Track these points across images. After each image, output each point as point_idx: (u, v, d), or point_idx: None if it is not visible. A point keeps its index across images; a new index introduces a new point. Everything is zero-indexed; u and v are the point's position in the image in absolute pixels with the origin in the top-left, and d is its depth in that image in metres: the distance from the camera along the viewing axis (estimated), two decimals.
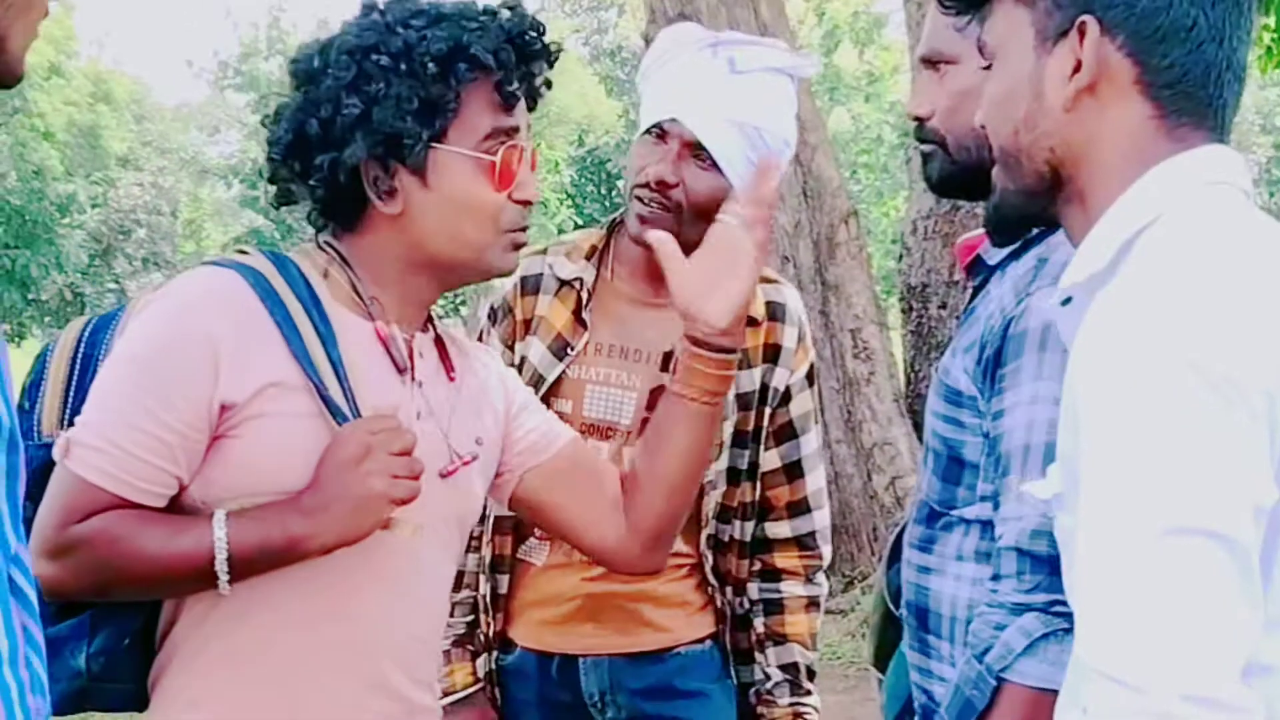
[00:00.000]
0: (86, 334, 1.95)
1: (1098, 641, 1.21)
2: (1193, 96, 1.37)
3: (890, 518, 7.10)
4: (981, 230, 2.12)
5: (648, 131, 2.47)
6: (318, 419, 1.81)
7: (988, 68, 1.52)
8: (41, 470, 1.83)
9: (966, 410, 1.96)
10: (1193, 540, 1.16)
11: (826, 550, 2.71)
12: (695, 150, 2.43)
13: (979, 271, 2.10)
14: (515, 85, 1.90)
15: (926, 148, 2.15)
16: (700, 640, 2.63)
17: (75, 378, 1.92)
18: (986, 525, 1.90)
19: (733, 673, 2.67)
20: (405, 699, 1.93)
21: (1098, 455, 1.23)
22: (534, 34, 1.92)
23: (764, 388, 2.59)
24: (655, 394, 2.49)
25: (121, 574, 1.78)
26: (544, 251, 2.62)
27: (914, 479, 7.16)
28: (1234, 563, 1.16)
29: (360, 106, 1.84)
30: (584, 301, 2.55)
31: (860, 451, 7.25)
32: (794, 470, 2.67)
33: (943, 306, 7.32)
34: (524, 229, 1.96)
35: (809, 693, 2.65)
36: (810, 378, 2.67)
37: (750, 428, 2.59)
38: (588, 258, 2.60)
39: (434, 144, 1.86)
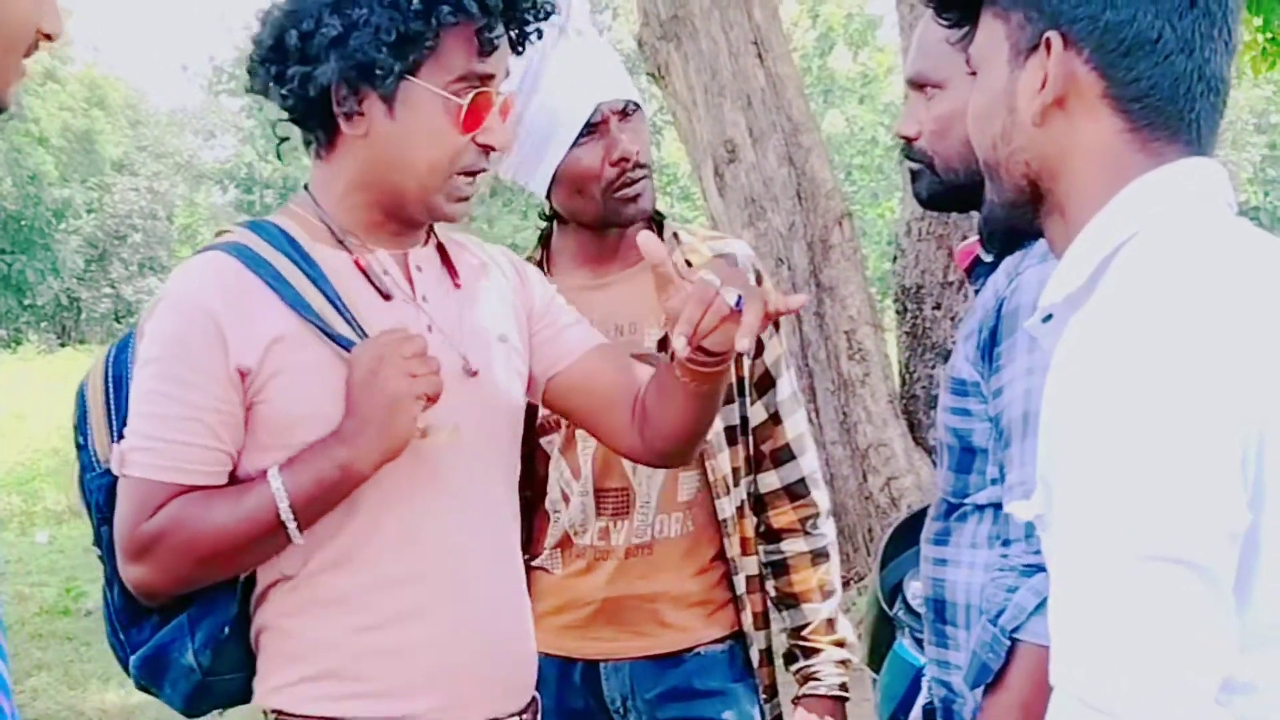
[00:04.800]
0: (111, 357, 2.05)
1: (1070, 665, 1.21)
2: (1163, 110, 1.35)
3: (885, 518, 7.10)
4: (976, 236, 2.15)
5: (576, 140, 2.51)
6: (332, 357, 1.89)
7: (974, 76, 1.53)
8: (109, 496, 1.96)
9: (972, 398, 1.98)
10: (1164, 567, 1.16)
11: (820, 496, 2.71)
12: (622, 114, 2.53)
13: (980, 273, 2.12)
14: (496, 33, 1.93)
15: (914, 166, 2.19)
16: (720, 640, 2.63)
17: (111, 400, 2.02)
18: (998, 509, 1.92)
19: (755, 672, 2.66)
20: (489, 603, 2.02)
21: (1071, 481, 1.23)
22: None
23: None
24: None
25: (201, 554, 1.89)
26: None
27: (909, 480, 7.19)
28: (1206, 589, 1.17)
29: (339, 28, 1.88)
30: None
31: (855, 453, 7.25)
32: (775, 417, 2.69)
33: (937, 308, 7.32)
34: (474, 176, 1.98)
35: (817, 650, 2.65)
36: (776, 323, 2.68)
37: (731, 380, 2.58)
38: None
39: (406, 77, 1.90)
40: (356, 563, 1.94)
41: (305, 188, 2.05)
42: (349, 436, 1.84)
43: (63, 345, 35.38)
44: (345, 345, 1.89)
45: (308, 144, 2.04)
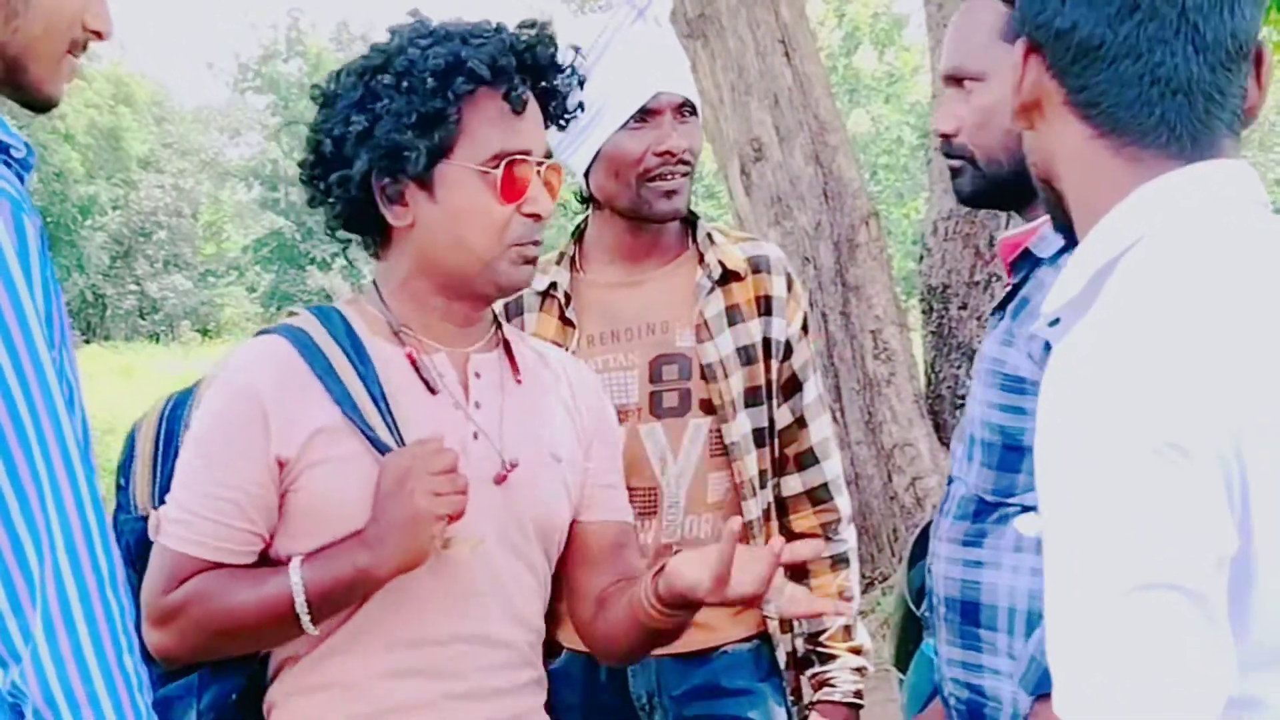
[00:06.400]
0: (167, 411, 2.13)
1: (1070, 695, 1.20)
2: (1118, 116, 1.34)
3: (910, 519, 7.09)
4: (1024, 228, 2.12)
5: (626, 121, 2.51)
6: (367, 457, 1.92)
7: None
8: (139, 541, 2.03)
9: (1030, 396, 1.95)
10: (1156, 594, 1.16)
11: (842, 502, 2.71)
12: (679, 111, 2.53)
13: (1023, 266, 2.09)
14: (521, 91, 1.96)
15: (955, 163, 2.16)
16: (746, 639, 2.63)
17: (160, 454, 2.11)
18: None
19: (782, 673, 2.66)
20: (494, 703, 2.01)
21: (1057, 514, 1.22)
22: (542, 47, 1.99)
23: (766, 341, 2.61)
24: (654, 363, 2.56)
25: (217, 630, 1.93)
26: None
27: (934, 480, 7.17)
28: (1198, 612, 1.16)
29: (365, 123, 1.94)
30: (565, 303, 2.59)
31: (880, 452, 7.24)
32: (800, 421, 2.68)
33: (963, 307, 7.31)
34: (535, 243, 2.02)
35: (833, 656, 2.65)
36: (805, 327, 2.69)
37: (760, 383, 2.59)
38: (557, 264, 2.65)
39: (441, 158, 1.94)
40: (364, 651, 1.96)
41: (374, 283, 2.09)
42: (370, 542, 1.87)
43: (87, 341, 35.56)
44: (380, 447, 1.92)
45: (368, 249, 2.08)
